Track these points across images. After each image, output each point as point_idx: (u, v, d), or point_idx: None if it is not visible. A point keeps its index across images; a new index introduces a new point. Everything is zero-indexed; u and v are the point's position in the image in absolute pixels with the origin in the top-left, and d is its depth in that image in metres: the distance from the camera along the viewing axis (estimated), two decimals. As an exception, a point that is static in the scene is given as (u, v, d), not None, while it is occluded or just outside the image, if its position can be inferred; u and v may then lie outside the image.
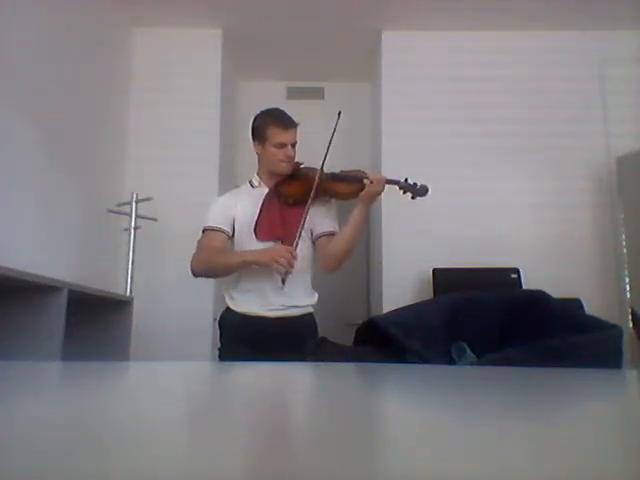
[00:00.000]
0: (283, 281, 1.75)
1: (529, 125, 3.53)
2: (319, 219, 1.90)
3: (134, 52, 3.67)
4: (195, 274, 1.89)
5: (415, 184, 1.85)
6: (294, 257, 1.72)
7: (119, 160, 3.47)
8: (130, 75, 3.63)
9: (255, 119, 1.93)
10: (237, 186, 2.12)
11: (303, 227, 1.81)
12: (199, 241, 1.90)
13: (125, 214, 3.07)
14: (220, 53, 3.69)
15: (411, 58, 3.67)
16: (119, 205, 3.12)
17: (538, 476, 0.17)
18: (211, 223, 1.89)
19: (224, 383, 0.53)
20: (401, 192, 1.86)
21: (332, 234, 1.89)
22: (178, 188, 3.45)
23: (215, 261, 1.85)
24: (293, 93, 4.22)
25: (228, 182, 3.52)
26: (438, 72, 3.64)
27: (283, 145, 1.85)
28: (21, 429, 0.24)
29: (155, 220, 3.12)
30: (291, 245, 1.79)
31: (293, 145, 1.88)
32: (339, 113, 1.89)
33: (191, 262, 1.87)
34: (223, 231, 1.87)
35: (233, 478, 0.16)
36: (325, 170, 1.88)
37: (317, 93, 4.26)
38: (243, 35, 3.73)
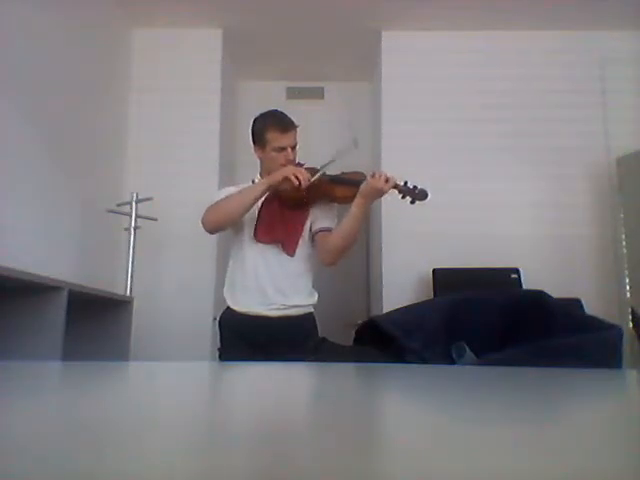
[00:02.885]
0: (301, 183, 1.76)
1: (529, 125, 3.52)
2: (318, 217, 1.90)
3: (134, 52, 3.67)
4: (209, 226, 1.85)
5: (415, 187, 1.83)
6: (307, 175, 1.76)
7: (119, 160, 3.47)
8: (130, 75, 3.63)
9: (254, 123, 1.92)
10: (237, 184, 2.12)
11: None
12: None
13: (125, 214, 3.07)
14: (220, 53, 3.68)
15: (411, 58, 3.67)
16: (119, 205, 3.11)
17: (538, 476, 0.17)
18: (221, 197, 1.88)
19: (224, 383, 0.53)
20: (400, 196, 1.83)
21: (329, 229, 1.89)
22: (178, 188, 3.45)
23: (230, 200, 1.82)
24: (293, 93, 4.22)
25: (228, 182, 3.52)
26: (438, 72, 3.64)
27: (283, 149, 1.85)
28: (21, 429, 0.24)
29: (155, 220, 3.12)
30: (293, 244, 1.84)
31: (293, 148, 1.87)
32: (355, 142, 1.89)
33: (202, 218, 1.84)
34: None
35: (233, 478, 0.16)
36: (327, 173, 1.88)
37: (317, 93, 4.26)
38: (243, 35, 3.73)
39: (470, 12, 3.45)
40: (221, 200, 1.84)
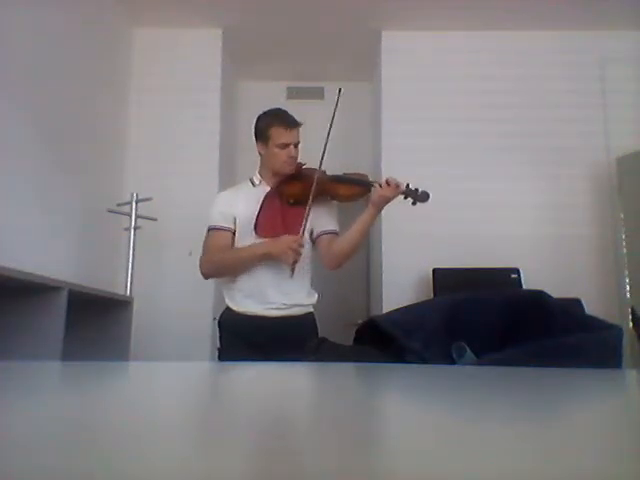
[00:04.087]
0: (292, 270, 1.77)
1: (529, 125, 3.53)
2: (320, 218, 1.90)
3: (134, 52, 3.67)
4: (205, 276, 1.91)
5: (417, 189, 1.84)
6: (302, 246, 1.77)
7: (119, 160, 3.47)
8: (130, 75, 3.63)
9: (258, 119, 1.94)
10: (235, 185, 2.13)
11: (307, 220, 1.82)
12: (205, 242, 1.91)
13: (125, 214, 3.07)
14: (220, 53, 3.69)
15: (411, 58, 3.67)
16: (119, 205, 3.11)
17: (538, 476, 0.17)
18: (215, 222, 1.90)
19: (223, 384, 0.53)
20: (402, 197, 1.85)
21: (333, 233, 1.90)
22: (178, 188, 3.45)
23: (226, 259, 1.87)
24: (293, 93, 4.22)
25: (228, 182, 3.52)
26: (438, 72, 3.64)
27: (286, 145, 1.86)
28: (21, 429, 0.24)
29: (155, 220, 3.12)
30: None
31: (296, 145, 1.89)
32: (339, 90, 1.90)
33: (200, 264, 1.89)
34: (228, 229, 1.88)
35: (233, 478, 0.16)
36: (328, 173, 1.89)
37: (317, 93, 4.26)
38: (243, 35, 3.73)
39: (470, 12, 3.45)
40: (217, 255, 1.88)
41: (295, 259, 1.75)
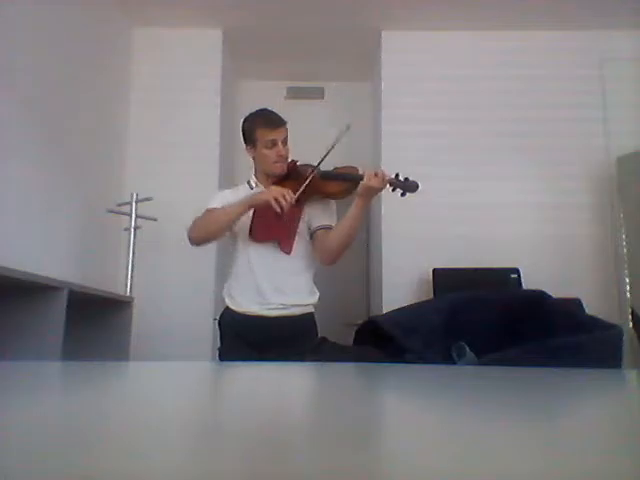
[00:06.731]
0: (282, 209, 1.72)
1: (529, 125, 3.52)
2: (316, 215, 1.89)
3: (134, 52, 3.67)
4: (193, 239, 1.85)
5: (406, 179, 1.81)
6: (291, 197, 1.72)
7: (119, 160, 3.47)
8: (130, 75, 3.63)
9: (243, 123, 1.92)
10: (236, 185, 2.12)
11: (302, 188, 1.79)
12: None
13: (125, 214, 3.07)
14: (220, 53, 3.69)
15: (411, 58, 3.67)
16: (119, 205, 3.11)
17: (538, 476, 0.17)
18: (212, 205, 1.88)
19: (224, 383, 0.53)
20: (390, 189, 1.80)
21: (328, 227, 1.87)
22: (178, 188, 3.45)
23: (214, 216, 1.82)
24: (293, 93, 4.22)
25: (228, 182, 3.52)
26: (438, 72, 3.64)
27: (274, 143, 1.84)
28: (20, 429, 0.24)
29: (155, 220, 3.12)
30: (289, 242, 1.83)
31: (284, 142, 1.87)
32: (348, 126, 1.85)
33: (188, 230, 1.85)
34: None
35: (233, 478, 0.16)
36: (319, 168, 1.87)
37: (317, 93, 4.26)
38: (243, 35, 3.73)
39: (470, 12, 3.45)
40: (202, 217, 1.85)
41: (282, 204, 1.69)
